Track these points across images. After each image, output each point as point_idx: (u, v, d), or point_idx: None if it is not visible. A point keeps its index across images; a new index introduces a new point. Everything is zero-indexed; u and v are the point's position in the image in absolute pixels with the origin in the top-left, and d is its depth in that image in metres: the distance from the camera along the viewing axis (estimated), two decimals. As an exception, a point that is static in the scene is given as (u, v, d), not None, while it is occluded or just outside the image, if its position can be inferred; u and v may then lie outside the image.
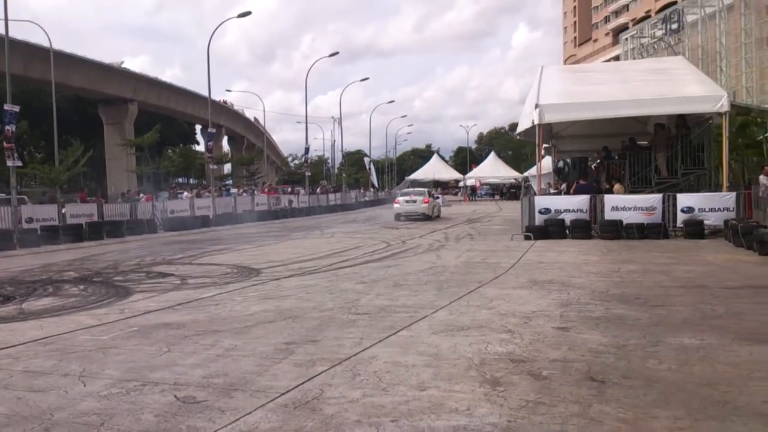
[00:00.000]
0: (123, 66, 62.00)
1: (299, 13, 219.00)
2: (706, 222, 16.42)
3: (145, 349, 6.15)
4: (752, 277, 9.80)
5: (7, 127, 20.85)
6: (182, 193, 35.44)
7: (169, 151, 61.57)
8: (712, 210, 16.52)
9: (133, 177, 48.87)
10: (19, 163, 22.80)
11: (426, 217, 29.11)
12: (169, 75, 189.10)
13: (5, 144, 21.04)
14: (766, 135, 28.92)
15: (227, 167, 57.30)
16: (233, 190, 42.51)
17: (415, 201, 29.60)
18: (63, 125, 32.05)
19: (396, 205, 30.26)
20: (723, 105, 16.81)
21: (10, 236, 19.43)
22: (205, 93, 34.39)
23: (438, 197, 39.35)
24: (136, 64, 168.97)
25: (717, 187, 18.36)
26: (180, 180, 59.33)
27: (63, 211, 22.94)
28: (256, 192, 41.04)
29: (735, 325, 6.55)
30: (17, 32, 38.69)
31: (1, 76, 29.01)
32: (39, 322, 7.72)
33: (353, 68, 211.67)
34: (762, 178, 19.45)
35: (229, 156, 74.14)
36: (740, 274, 10.13)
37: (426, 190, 33.89)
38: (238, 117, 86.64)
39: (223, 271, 12.16)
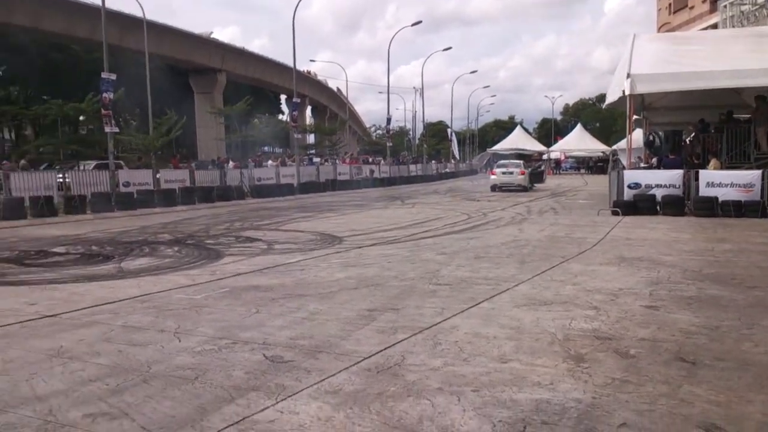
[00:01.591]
0: (212, 36, 63.70)
1: None
2: (810, 201, 15.42)
3: (236, 310, 6.41)
4: None
5: (104, 95, 21.91)
6: (267, 161, 36.30)
7: (256, 120, 63.12)
8: (817, 188, 15.48)
9: (222, 145, 50.45)
10: (116, 130, 23.96)
11: (522, 189, 28.97)
12: (257, 45, 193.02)
13: (103, 111, 22.13)
14: None
15: (311, 137, 58.18)
16: (316, 160, 43.20)
17: (512, 172, 29.55)
18: (155, 93, 33.41)
19: (492, 176, 30.27)
20: (833, 76, 15.58)
21: (109, 199, 20.57)
22: (290, 63, 34.86)
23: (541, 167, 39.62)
24: (225, 34, 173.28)
25: (824, 164, 17.15)
26: (266, 149, 60.85)
27: (157, 176, 24.04)
28: (338, 162, 41.56)
29: (841, 311, 6.17)
30: (112, 3, 40.31)
31: (98, 45, 30.37)
32: (137, 280, 8.17)
33: (437, 37, 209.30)
34: None
35: (312, 126, 75.29)
36: None
37: (522, 162, 33.61)
38: (322, 87, 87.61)
39: (307, 238, 12.45)
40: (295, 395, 4.03)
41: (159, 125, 31.19)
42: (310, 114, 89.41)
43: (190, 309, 6.46)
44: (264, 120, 64.38)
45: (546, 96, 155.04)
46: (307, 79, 78.23)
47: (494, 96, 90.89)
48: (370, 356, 4.81)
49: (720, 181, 16.29)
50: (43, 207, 18.17)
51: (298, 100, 37.17)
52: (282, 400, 3.96)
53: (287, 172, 30.90)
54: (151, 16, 48.03)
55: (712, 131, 20.49)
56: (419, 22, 50.26)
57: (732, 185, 16.07)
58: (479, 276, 8.19)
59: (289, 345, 5.14)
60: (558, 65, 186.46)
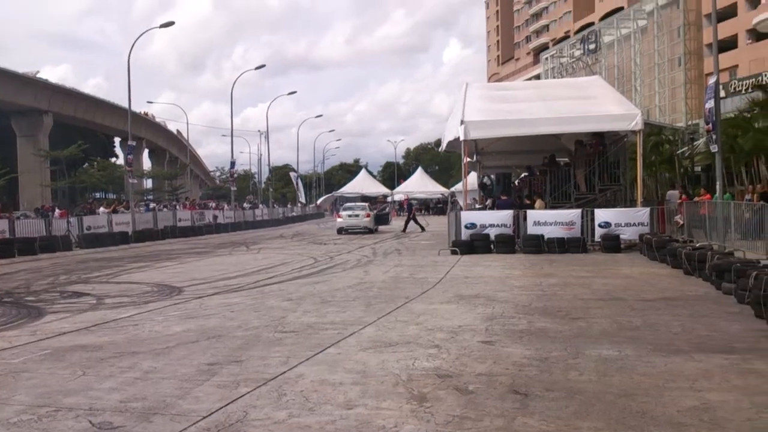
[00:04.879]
0: (38, 76, 59.41)
1: (231, 23, 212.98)
2: (622, 236, 17.08)
3: (59, 373, 5.85)
4: (666, 290, 10.24)
5: None
6: (99, 208, 34.07)
7: (87, 164, 59.33)
8: (627, 225, 17.20)
9: (48, 191, 46.83)
10: None
11: (368, 231, 29.49)
12: (92, 85, 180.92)
13: None
14: (678, 153, 30.62)
15: (148, 182, 55.58)
16: (152, 205, 41.13)
17: (357, 215, 30.11)
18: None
19: (339, 220, 30.73)
20: (637, 123, 17.60)
21: None
22: (126, 104, 33.31)
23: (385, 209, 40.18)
24: (56, 74, 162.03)
25: (632, 203, 19.16)
26: (97, 195, 57.28)
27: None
28: (178, 207, 39.96)
29: (651, 337, 6.82)
30: None
31: None
32: (-60, 347, 7.21)
33: (285, 81, 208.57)
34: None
35: (150, 170, 72.16)
36: (655, 287, 10.58)
37: (367, 204, 34.37)
38: (160, 129, 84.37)
39: (142, 290, 11.74)
40: (125, 465, 3.71)
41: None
42: (148, 158, 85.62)
43: (5, 375, 5.81)
44: (97, 164, 60.56)
45: (389, 140, 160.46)
46: (145, 121, 75.06)
47: (339, 140, 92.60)
48: (209, 414, 4.57)
49: (545, 220, 17.64)
50: None
51: (134, 143, 35.49)
52: (109, 472, 3.62)
53: (121, 219, 29.11)
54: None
55: (537, 174, 22.26)
56: (263, 66, 50.45)
57: (556, 223, 17.45)
58: (326, 321, 8.15)
59: (120, 409, 4.75)
60: (402, 110, 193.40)
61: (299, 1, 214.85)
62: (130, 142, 33.23)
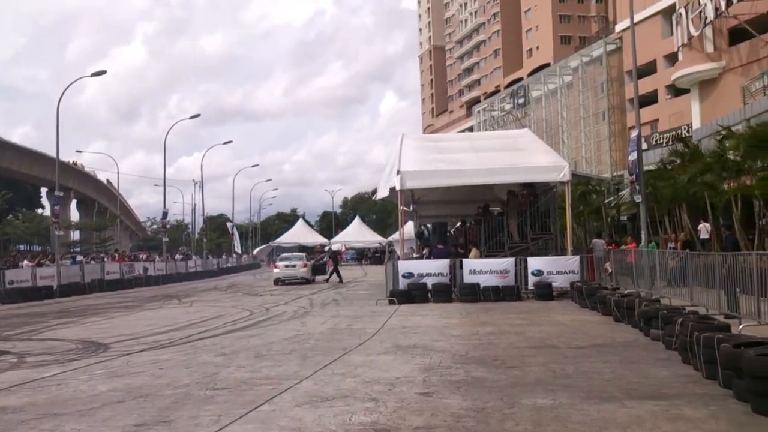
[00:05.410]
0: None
1: (166, 72, 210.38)
2: (554, 284, 17.44)
3: (-29, 441, 5.47)
4: (597, 337, 10.47)
5: None
6: (23, 261, 32.55)
7: (11, 216, 57.00)
8: (559, 272, 17.60)
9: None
10: None
11: (306, 281, 29.20)
12: (20, 134, 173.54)
13: None
14: (604, 202, 31.80)
15: (76, 234, 53.63)
16: (79, 258, 39.59)
17: (294, 265, 29.82)
18: None
19: (276, 270, 30.32)
20: (565, 174, 18.23)
21: None
22: (53, 153, 32.33)
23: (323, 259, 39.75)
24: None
25: (562, 251, 19.67)
26: (22, 247, 54.91)
27: None
28: (106, 259, 38.61)
29: (584, 384, 6.92)
30: None
31: None
32: None
33: (222, 130, 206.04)
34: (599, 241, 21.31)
35: (78, 221, 69.80)
36: (586, 334, 10.80)
37: (304, 254, 34.15)
38: (89, 179, 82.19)
39: (66, 347, 11.19)
40: None
41: None
42: (76, 208, 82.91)
43: None
44: (22, 215, 58.24)
45: (326, 190, 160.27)
46: (73, 170, 72.98)
47: (276, 189, 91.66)
48: (135, 480, 4.34)
49: (481, 268, 17.87)
50: None
51: (61, 194, 34.34)
52: None
53: (46, 272, 27.87)
54: None
55: (472, 223, 22.65)
56: (198, 116, 49.81)
57: (491, 272, 17.69)
58: (260, 376, 7.94)
59: (37, 478, 4.45)
60: (339, 160, 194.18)
61: (236, 51, 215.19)
62: (57, 193, 32.13)
